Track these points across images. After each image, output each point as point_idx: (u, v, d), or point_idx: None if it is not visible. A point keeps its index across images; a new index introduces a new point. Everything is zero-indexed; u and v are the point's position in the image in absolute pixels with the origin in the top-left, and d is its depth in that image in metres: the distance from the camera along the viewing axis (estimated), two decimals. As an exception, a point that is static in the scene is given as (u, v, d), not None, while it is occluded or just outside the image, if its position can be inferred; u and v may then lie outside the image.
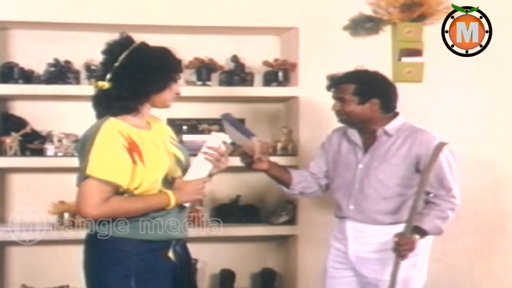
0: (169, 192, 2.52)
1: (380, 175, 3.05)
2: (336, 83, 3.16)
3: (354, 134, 3.15)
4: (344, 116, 3.10)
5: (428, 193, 3.03)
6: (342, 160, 3.17)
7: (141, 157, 2.47)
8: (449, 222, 3.05)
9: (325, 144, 3.30)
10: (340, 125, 3.23)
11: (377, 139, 3.08)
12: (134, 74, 2.49)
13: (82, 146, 2.48)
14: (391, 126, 3.08)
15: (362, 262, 3.08)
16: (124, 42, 2.56)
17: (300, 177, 3.25)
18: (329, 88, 3.18)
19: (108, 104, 2.52)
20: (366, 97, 3.06)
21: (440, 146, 2.93)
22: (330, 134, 3.30)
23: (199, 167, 2.62)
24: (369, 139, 3.11)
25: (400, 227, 2.96)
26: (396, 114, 3.13)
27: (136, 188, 2.47)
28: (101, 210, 2.42)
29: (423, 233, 2.96)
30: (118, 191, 2.45)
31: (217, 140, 2.65)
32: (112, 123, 2.48)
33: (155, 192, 2.51)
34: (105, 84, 2.51)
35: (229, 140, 2.69)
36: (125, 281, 2.47)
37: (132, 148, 2.46)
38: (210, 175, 2.64)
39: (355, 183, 3.10)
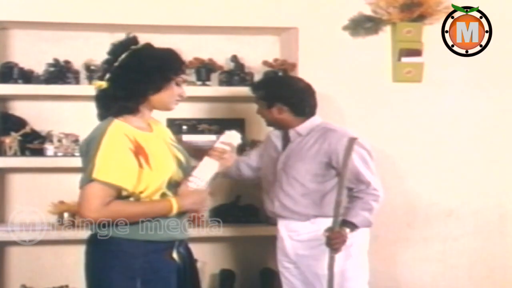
0: (172, 199, 2.50)
1: (294, 173, 3.25)
2: (252, 89, 3.44)
3: (275, 135, 3.38)
4: (265, 121, 3.38)
5: (351, 189, 3.21)
6: (265, 160, 3.43)
7: (147, 161, 2.46)
8: (375, 213, 3.21)
9: (262, 144, 3.57)
10: None
11: (291, 139, 3.30)
12: (130, 74, 2.49)
13: (87, 148, 2.47)
14: (303, 126, 3.29)
15: (300, 260, 3.28)
16: (127, 43, 2.56)
17: None
18: (252, 93, 3.42)
19: (107, 104, 2.52)
20: (271, 102, 3.30)
21: (351, 142, 3.13)
22: (266, 137, 3.53)
23: (204, 169, 2.61)
24: (287, 139, 3.33)
25: (326, 221, 3.15)
26: (311, 115, 3.32)
27: (141, 192, 2.46)
28: (101, 213, 2.41)
29: (352, 226, 3.14)
30: (121, 194, 2.44)
31: (231, 138, 2.69)
32: (118, 125, 2.47)
33: (158, 198, 2.50)
34: (103, 84, 2.52)
35: (239, 141, 2.71)
36: (131, 283, 2.46)
37: (139, 152, 2.45)
38: (216, 176, 2.64)
39: (276, 181, 3.31)
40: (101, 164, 2.39)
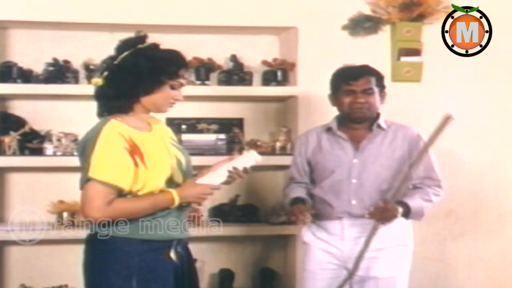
0: (173, 191, 2.50)
1: (377, 168, 3.04)
2: (361, 74, 3.09)
3: (339, 130, 3.12)
4: (366, 110, 3.06)
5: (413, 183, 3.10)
6: (329, 158, 3.11)
7: (143, 159, 2.46)
8: (430, 207, 3.10)
9: (301, 149, 3.22)
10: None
11: (372, 133, 3.09)
12: (123, 74, 2.49)
13: (83, 148, 2.47)
14: (382, 120, 3.11)
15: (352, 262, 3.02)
16: (132, 42, 2.54)
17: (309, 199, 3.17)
18: (352, 79, 3.08)
19: (100, 102, 2.54)
20: (382, 89, 3.12)
21: (447, 119, 2.96)
22: (304, 138, 3.24)
23: (217, 175, 2.60)
24: (357, 133, 3.10)
25: (399, 223, 3.02)
26: None
27: (139, 190, 2.46)
28: (105, 213, 2.41)
29: (406, 209, 2.99)
30: (121, 193, 2.44)
31: (250, 159, 2.64)
32: (113, 125, 2.47)
33: (158, 192, 2.50)
34: (99, 81, 2.53)
35: (259, 159, 2.67)
36: (127, 281, 2.46)
37: (134, 151, 2.45)
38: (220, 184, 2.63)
39: (351, 178, 3.05)
40: (96, 163, 2.40)
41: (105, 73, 2.52)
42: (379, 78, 3.12)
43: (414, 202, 3.01)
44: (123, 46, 2.54)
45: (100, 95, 2.53)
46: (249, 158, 2.64)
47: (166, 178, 2.51)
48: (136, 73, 2.48)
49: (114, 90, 2.49)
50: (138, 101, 2.53)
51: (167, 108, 2.59)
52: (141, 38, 2.56)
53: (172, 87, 2.55)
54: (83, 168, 2.44)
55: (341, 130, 3.12)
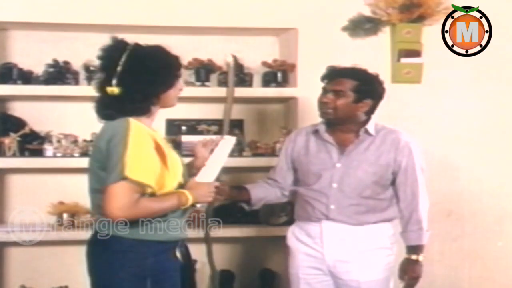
0: (186, 191, 2.55)
1: (360, 174, 3.01)
2: (337, 75, 3.08)
3: (325, 132, 3.10)
4: (331, 110, 3.03)
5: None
6: (314, 161, 3.10)
7: (165, 160, 2.50)
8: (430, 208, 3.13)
9: (288, 148, 3.23)
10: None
11: (358, 138, 3.06)
12: (142, 76, 2.51)
13: (108, 146, 2.45)
14: (371, 125, 3.07)
15: (340, 265, 3.03)
16: (120, 46, 2.57)
17: (260, 194, 3.21)
18: (327, 78, 3.10)
19: (121, 107, 2.51)
20: (363, 96, 3.04)
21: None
22: (292, 137, 3.25)
23: (210, 170, 2.67)
24: (343, 137, 3.08)
25: (380, 227, 3.06)
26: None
27: (158, 191, 2.50)
28: (131, 212, 2.42)
29: (419, 248, 3.09)
30: (144, 193, 2.46)
31: (229, 143, 2.71)
32: (138, 125, 2.48)
33: (172, 192, 2.54)
34: (115, 90, 2.50)
35: (234, 141, 2.74)
36: (141, 283, 2.48)
37: (158, 151, 2.49)
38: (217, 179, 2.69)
39: (332, 183, 3.03)
40: (132, 163, 2.39)
41: (116, 81, 2.50)
42: (365, 84, 3.05)
43: (422, 237, 3.08)
44: (114, 52, 2.55)
45: (122, 101, 2.51)
46: (227, 144, 2.72)
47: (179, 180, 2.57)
48: (154, 72, 2.52)
49: (138, 93, 2.51)
50: (158, 99, 2.57)
51: (176, 101, 2.65)
52: (124, 41, 2.59)
53: (178, 78, 2.63)
54: (114, 166, 2.41)
55: (329, 133, 3.10)
